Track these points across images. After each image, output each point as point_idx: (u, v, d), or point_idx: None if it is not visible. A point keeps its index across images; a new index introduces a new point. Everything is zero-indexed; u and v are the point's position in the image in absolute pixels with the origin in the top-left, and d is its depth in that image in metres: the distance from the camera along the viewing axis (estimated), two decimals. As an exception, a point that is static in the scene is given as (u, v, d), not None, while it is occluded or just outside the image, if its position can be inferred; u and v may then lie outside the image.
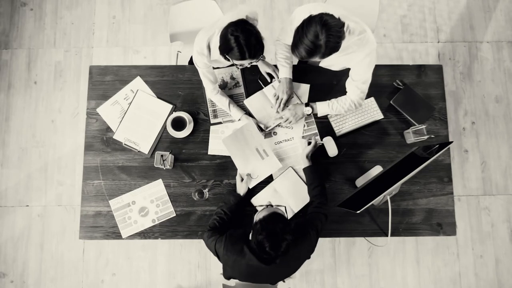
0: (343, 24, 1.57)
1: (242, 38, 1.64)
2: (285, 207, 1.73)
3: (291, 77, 2.06)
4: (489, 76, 3.09)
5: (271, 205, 1.72)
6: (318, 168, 2.00)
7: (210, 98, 2.10)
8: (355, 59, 1.81)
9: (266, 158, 2.02)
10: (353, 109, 2.03)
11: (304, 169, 2.00)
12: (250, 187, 2.02)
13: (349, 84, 1.96)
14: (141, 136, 2.10)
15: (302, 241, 1.68)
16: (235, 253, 1.65)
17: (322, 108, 2.03)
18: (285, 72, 2.05)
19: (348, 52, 1.77)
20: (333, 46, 1.57)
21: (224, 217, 1.89)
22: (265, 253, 1.53)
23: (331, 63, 2.04)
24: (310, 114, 2.08)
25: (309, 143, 2.03)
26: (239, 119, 2.07)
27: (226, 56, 1.74)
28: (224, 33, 1.69)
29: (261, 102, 2.13)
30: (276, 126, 2.11)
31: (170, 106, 2.13)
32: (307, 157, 1.99)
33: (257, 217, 1.63)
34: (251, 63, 1.78)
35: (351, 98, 1.97)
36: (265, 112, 2.12)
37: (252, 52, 1.68)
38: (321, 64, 2.11)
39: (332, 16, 1.55)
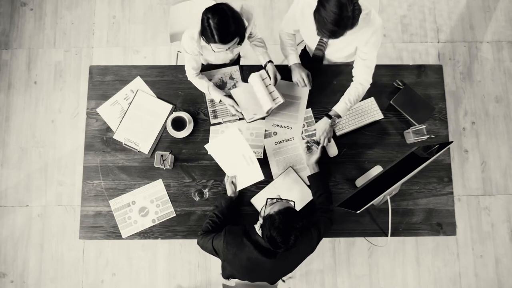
0: None
1: (212, 20, 1.64)
2: (294, 202, 1.72)
3: (299, 62, 2.10)
4: (489, 76, 3.09)
5: (281, 199, 1.72)
6: (324, 175, 1.98)
7: (190, 80, 2.08)
8: (363, 37, 1.81)
9: (251, 166, 1.96)
10: (366, 89, 2.00)
11: (310, 177, 1.98)
12: (237, 190, 2.00)
13: (357, 65, 1.95)
14: (141, 136, 2.11)
15: (303, 238, 1.69)
16: (235, 246, 1.66)
17: (343, 111, 1.99)
18: (293, 59, 2.09)
19: (356, 30, 1.75)
20: (358, 14, 1.58)
21: (216, 221, 1.88)
22: (275, 246, 1.54)
23: (342, 45, 1.99)
24: (336, 123, 2.04)
25: (308, 148, 2.01)
26: (220, 101, 2.06)
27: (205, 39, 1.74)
28: (201, 16, 1.70)
29: (249, 93, 2.10)
30: (260, 119, 2.09)
31: (170, 106, 2.13)
32: (316, 163, 1.96)
33: (270, 210, 1.62)
34: (230, 48, 1.76)
35: (361, 82, 1.96)
36: (252, 104, 2.09)
37: (223, 36, 1.66)
38: (329, 52, 2.08)
39: None
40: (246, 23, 1.84)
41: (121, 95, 2.15)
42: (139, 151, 2.09)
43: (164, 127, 2.11)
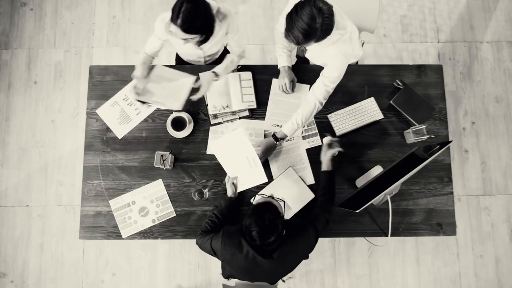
0: (332, 8, 1.61)
1: (185, 4, 1.66)
2: (284, 202, 1.73)
3: (290, 65, 2.08)
4: (489, 76, 3.09)
5: (272, 197, 1.74)
6: (335, 176, 1.94)
7: (142, 53, 2.04)
8: (331, 53, 1.81)
9: (255, 168, 1.96)
10: (318, 110, 1.94)
11: (323, 172, 1.93)
12: (237, 191, 2.00)
13: (318, 79, 1.92)
14: (164, 98, 1.98)
15: (300, 237, 1.69)
16: (233, 247, 1.66)
17: (290, 131, 1.95)
18: (282, 61, 2.08)
19: (328, 43, 1.78)
20: (327, 29, 1.61)
21: (215, 221, 1.88)
22: (251, 238, 1.58)
23: (316, 54, 2.01)
24: (281, 144, 2.02)
25: (329, 145, 1.95)
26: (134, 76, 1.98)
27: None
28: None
29: (223, 85, 2.12)
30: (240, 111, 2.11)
31: (193, 77, 2.02)
32: (331, 160, 1.91)
33: (254, 202, 1.68)
34: (187, 40, 1.78)
35: (315, 97, 1.90)
36: (226, 95, 2.12)
37: (181, 20, 1.68)
38: (309, 56, 2.09)
39: (323, 1, 1.59)
40: (219, 24, 1.88)
41: (120, 96, 2.15)
42: (166, 109, 2.01)
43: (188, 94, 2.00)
